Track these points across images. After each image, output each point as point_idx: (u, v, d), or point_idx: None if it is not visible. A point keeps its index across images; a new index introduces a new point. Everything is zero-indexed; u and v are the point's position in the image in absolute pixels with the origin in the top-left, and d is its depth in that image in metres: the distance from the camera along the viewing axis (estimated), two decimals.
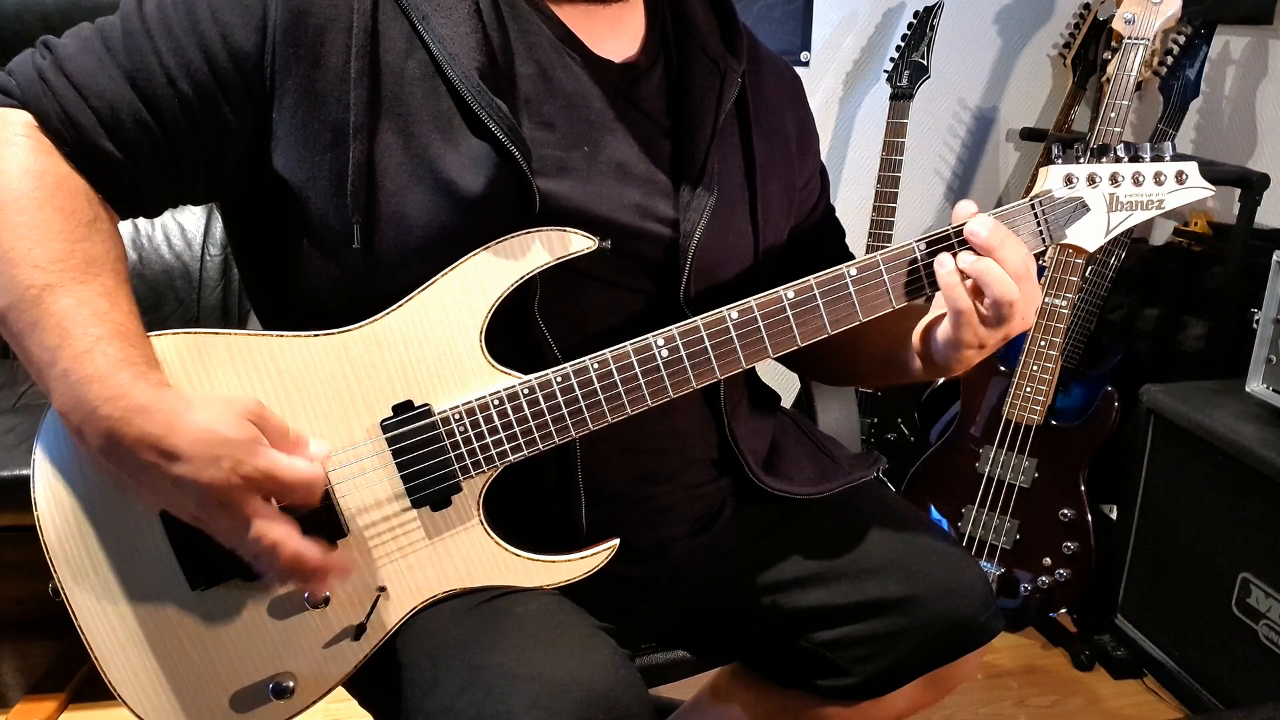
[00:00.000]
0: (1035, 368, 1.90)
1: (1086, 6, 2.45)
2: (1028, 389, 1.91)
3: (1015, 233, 0.89)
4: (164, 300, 1.94)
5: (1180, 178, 0.93)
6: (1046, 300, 1.87)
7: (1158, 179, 0.93)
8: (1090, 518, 1.91)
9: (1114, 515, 2.01)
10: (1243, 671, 1.67)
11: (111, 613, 0.82)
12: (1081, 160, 0.92)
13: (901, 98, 2.17)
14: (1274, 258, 1.62)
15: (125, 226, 1.92)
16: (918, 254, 0.89)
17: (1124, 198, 0.93)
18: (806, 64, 2.40)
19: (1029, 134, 2.57)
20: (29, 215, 0.76)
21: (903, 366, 0.97)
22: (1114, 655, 1.94)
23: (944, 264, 0.87)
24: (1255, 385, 1.69)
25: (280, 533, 0.75)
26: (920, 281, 0.89)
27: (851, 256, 1.14)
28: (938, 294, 0.89)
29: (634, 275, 0.92)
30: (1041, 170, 0.93)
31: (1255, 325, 1.67)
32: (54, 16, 1.77)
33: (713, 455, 1.02)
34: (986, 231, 0.86)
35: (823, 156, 1.15)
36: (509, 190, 0.84)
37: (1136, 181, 0.93)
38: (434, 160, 0.83)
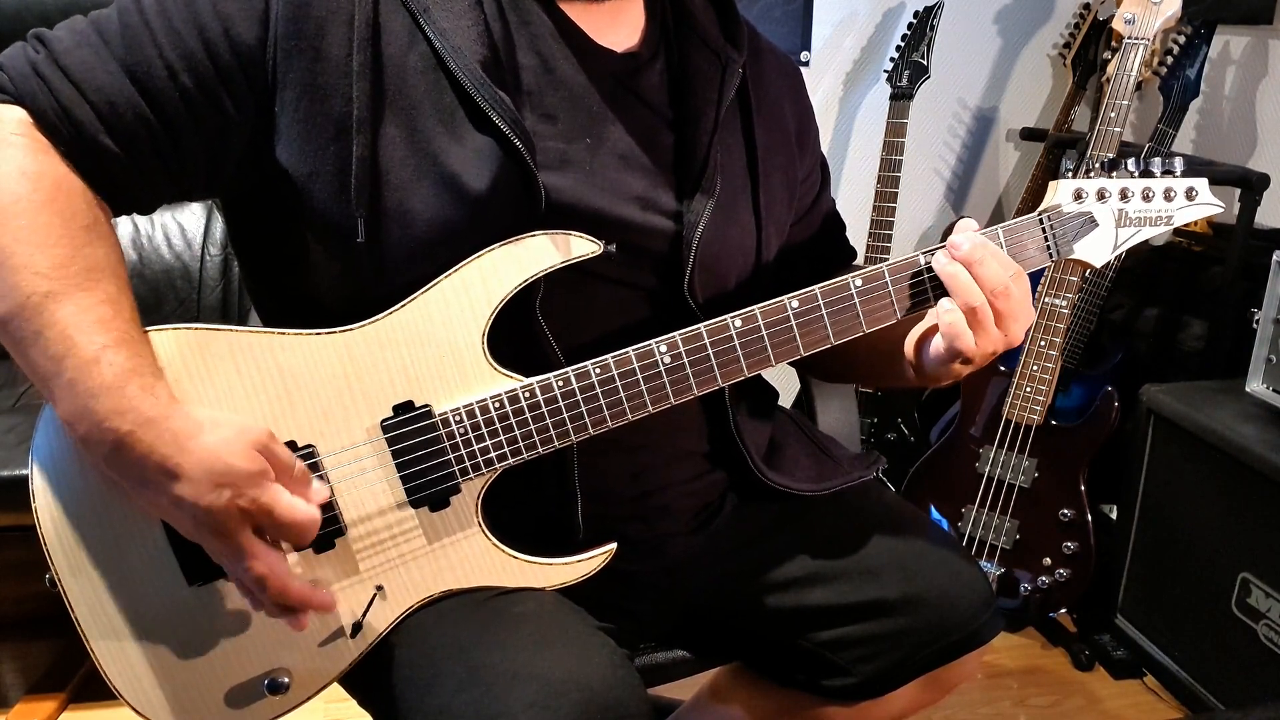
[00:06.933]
0: (1035, 368, 1.90)
1: (1086, 6, 2.44)
2: (1028, 389, 1.91)
3: (1023, 246, 0.89)
4: (164, 300, 1.94)
5: (1190, 194, 0.93)
6: (1046, 300, 1.87)
7: (1167, 195, 0.93)
8: (1090, 518, 1.91)
9: (1114, 515, 2.01)
10: (1243, 671, 1.67)
11: (108, 605, 0.82)
12: (1092, 175, 0.92)
13: (901, 98, 2.17)
14: (1274, 258, 1.62)
15: (125, 226, 1.92)
16: (921, 264, 0.89)
17: (1133, 213, 0.93)
18: (806, 64, 2.39)
19: (1029, 134, 2.57)
20: (28, 219, 0.74)
21: (897, 372, 0.98)
22: (1114, 655, 1.94)
23: (940, 262, 0.87)
24: (1255, 385, 1.68)
25: (267, 567, 0.76)
26: (925, 293, 0.89)
27: (853, 251, 1.15)
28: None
29: (637, 270, 0.92)
30: (1051, 184, 0.93)
31: (1255, 325, 1.67)
32: (54, 16, 1.76)
33: (707, 449, 1.02)
34: (967, 246, 0.86)
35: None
36: (514, 185, 0.84)
37: (1146, 197, 0.93)
38: (438, 155, 0.83)
